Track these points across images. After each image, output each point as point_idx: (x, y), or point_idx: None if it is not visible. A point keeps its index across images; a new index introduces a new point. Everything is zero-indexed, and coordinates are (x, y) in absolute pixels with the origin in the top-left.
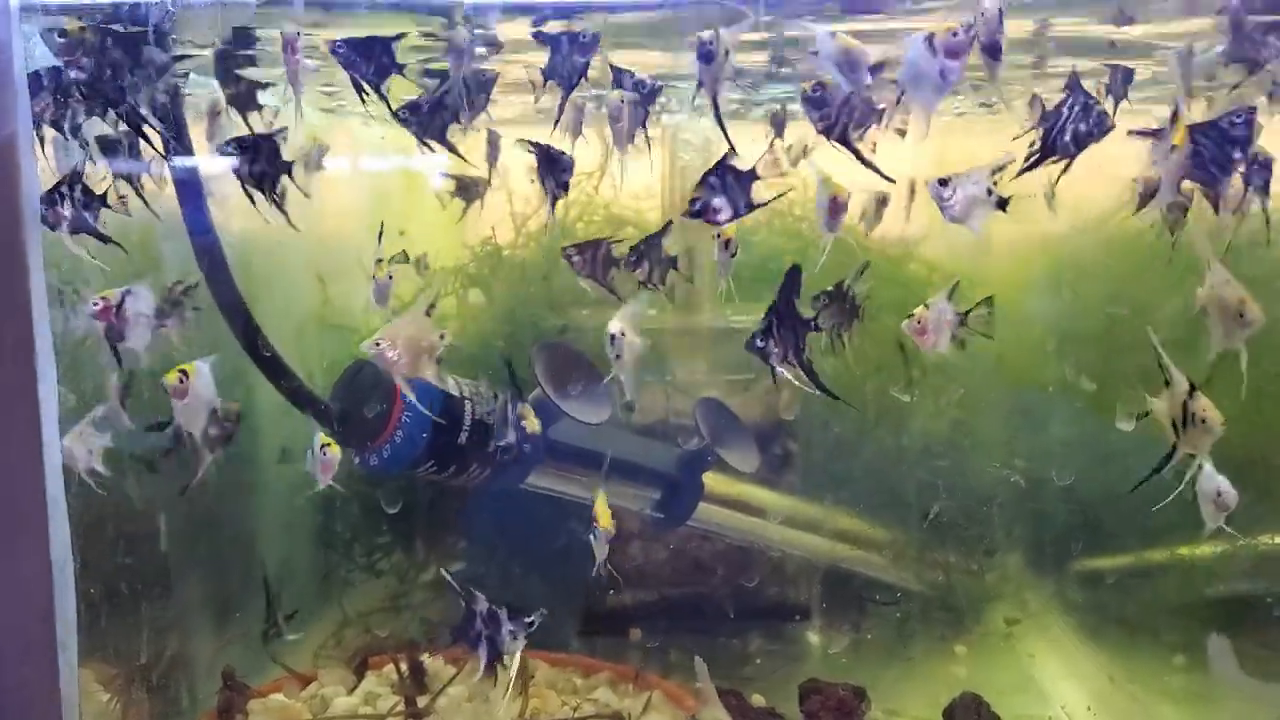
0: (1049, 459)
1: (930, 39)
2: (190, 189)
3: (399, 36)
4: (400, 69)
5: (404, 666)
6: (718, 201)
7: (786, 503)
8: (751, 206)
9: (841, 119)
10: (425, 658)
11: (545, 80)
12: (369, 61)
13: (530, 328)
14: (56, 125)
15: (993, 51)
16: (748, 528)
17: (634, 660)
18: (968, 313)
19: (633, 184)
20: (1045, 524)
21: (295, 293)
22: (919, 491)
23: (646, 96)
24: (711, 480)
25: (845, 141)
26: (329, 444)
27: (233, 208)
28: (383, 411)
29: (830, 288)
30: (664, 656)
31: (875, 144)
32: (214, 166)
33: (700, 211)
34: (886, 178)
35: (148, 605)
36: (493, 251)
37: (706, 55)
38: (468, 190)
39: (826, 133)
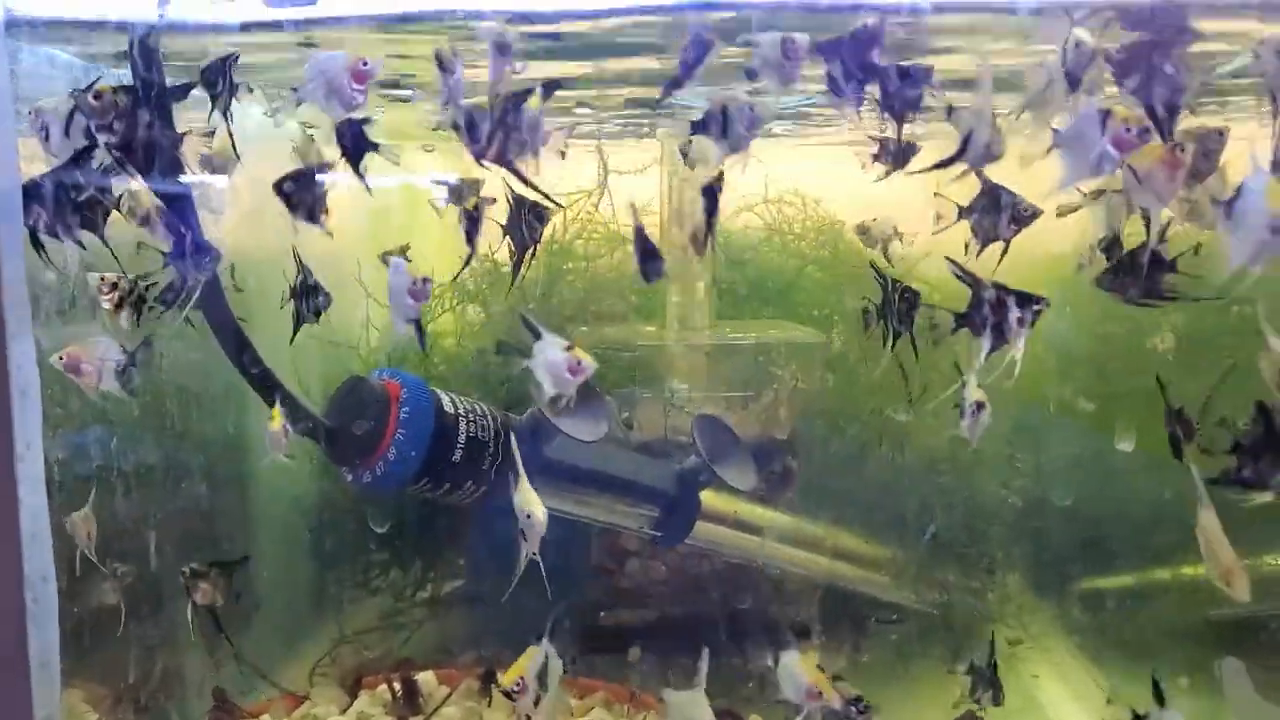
0: (1051, 478)
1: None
2: (183, 211)
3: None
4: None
5: (397, 686)
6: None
7: (785, 520)
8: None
9: (497, 139)
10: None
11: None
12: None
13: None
14: None
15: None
16: (746, 546)
17: (631, 679)
18: None
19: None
20: (1047, 544)
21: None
22: (919, 510)
23: None
24: (709, 498)
25: (504, 162)
26: None
27: (229, 226)
28: (375, 429)
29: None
30: (662, 676)
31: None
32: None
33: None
34: (554, 201)
35: (136, 623)
36: (490, 267)
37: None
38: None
39: (478, 156)
